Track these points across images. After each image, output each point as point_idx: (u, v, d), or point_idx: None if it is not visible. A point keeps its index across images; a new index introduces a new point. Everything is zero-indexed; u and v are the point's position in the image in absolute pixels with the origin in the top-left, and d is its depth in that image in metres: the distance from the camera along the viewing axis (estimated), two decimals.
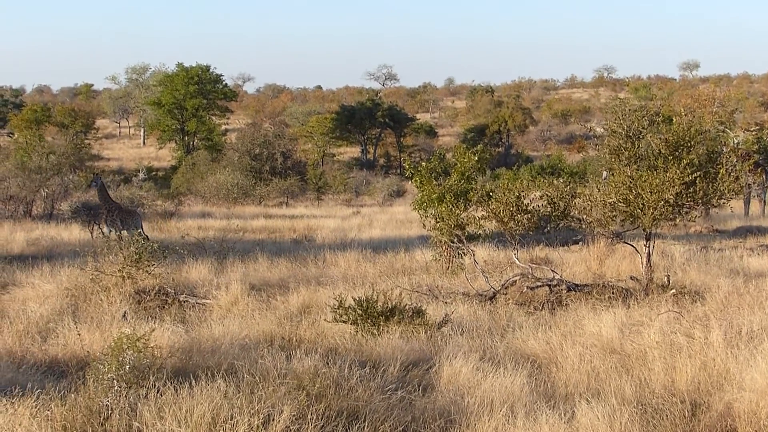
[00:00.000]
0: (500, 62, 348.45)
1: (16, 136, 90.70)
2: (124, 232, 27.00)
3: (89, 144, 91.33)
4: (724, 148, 22.20)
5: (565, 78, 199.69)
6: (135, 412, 10.18)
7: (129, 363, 11.08)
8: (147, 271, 19.77)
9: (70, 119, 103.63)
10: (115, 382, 10.78)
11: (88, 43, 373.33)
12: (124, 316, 16.83)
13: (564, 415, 10.62)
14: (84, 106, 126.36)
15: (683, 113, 20.98)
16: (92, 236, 28.81)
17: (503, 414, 10.63)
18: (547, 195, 21.42)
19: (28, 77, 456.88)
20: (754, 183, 42.02)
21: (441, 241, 23.49)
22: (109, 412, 10.22)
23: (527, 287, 19.46)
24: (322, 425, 10.10)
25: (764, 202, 44.32)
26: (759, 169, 42.17)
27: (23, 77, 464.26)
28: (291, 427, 9.90)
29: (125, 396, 10.49)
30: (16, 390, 10.98)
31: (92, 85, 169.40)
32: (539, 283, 19.50)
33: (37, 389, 10.85)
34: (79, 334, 14.17)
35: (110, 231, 26.92)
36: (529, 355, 13.96)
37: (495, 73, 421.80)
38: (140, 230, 26.52)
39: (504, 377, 12.09)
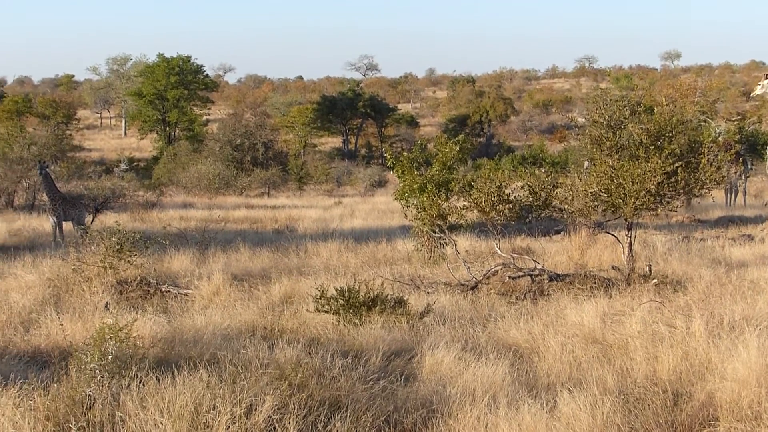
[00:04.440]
0: (481, 52, 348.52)
1: None
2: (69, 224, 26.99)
3: (70, 135, 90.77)
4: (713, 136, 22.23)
5: (547, 68, 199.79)
6: (117, 402, 10.16)
7: (111, 353, 11.05)
8: (129, 261, 19.70)
9: (52, 110, 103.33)
10: (97, 372, 10.75)
11: (69, 34, 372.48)
12: (106, 306, 16.78)
13: (546, 404, 10.61)
14: (65, 97, 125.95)
15: (665, 103, 20.98)
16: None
17: (485, 403, 10.62)
18: (528, 185, 21.41)
19: (8, 68, 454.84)
20: (735, 173, 41.95)
21: (423, 231, 23.53)
22: (92, 401, 10.19)
23: (509, 277, 19.46)
24: (305, 415, 10.07)
25: (745, 191, 44.35)
26: (740, 159, 42.14)
27: (4, 68, 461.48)
28: (273, 417, 9.87)
29: (108, 386, 10.46)
30: None
31: (73, 76, 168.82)
32: (521, 273, 19.51)
33: (19, 379, 10.83)
34: (62, 325, 14.16)
35: (52, 221, 26.81)
36: (511, 345, 13.97)
37: (476, 63, 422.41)
38: (82, 224, 26.36)
39: (486, 367, 12.10)
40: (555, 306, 16.64)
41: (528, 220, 23.05)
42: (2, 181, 39.75)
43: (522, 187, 21.95)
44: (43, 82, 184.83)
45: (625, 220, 20.29)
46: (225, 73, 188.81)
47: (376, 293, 15.56)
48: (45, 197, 27.70)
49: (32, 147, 52.27)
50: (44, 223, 30.99)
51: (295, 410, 9.97)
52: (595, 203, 20.07)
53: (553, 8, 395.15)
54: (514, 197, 21.65)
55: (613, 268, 20.33)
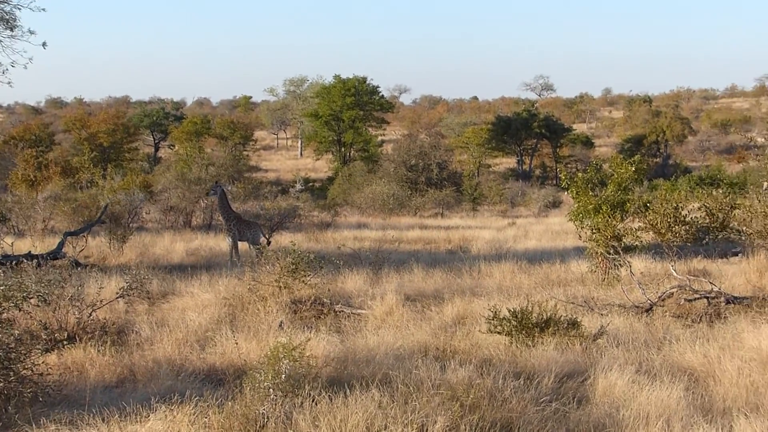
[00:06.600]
0: (658, 72, 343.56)
1: (176, 148, 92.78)
2: (244, 244, 27.36)
3: (248, 155, 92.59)
4: None
5: (725, 87, 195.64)
6: (290, 421, 10.35)
7: (285, 372, 11.24)
8: (303, 281, 19.94)
9: (229, 131, 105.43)
10: (271, 390, 10.96)
11: (246, 56, 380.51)
12: (280, 325, 17.05)
13: (721, 430, 10.48)
14: (243, 118, 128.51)
15: None
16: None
17: (659, 427, 10.53)
18: (705, 206, 21.16)
19: (188, 90, 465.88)
20: None
21: (597, 252, 23.32)
22: (265, 420, 10.41)
23: (685, 299, 19.19)
24: None
25: None
26: None
27: (184, 90, 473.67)
28: None
29: (281, 404, 10.67)
30: (175, 397, 11.29)
31: (251, 97, 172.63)
32: (697, 296, 19.21)
33: (195, 396, 11.15)
34: (237, 343, 14.45)
35: (228, 241, 27.24)
36: (686, 369, 13.78)
37: (653, 83, 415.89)
38: (257, 245, 26.61)
39: (660, 390, 11.97)
40: (732, 329, 16.33)
41: (705, 241, 22.73)
42: (181, 201, 40.70)
43: (699, 209, 21.67)
44: (221, 103, 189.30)
45: None
46: (400, 94, 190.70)
47: (549, 314, 15.52)
48: (221, 217, 28.25)
49: (210, 167, 53.55)
50: (221, 242, 31.66)
51: (467, 431, 10.01)
52: None
53: (731, 26, 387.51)
54: (691, 218, 21.37)
55: None
